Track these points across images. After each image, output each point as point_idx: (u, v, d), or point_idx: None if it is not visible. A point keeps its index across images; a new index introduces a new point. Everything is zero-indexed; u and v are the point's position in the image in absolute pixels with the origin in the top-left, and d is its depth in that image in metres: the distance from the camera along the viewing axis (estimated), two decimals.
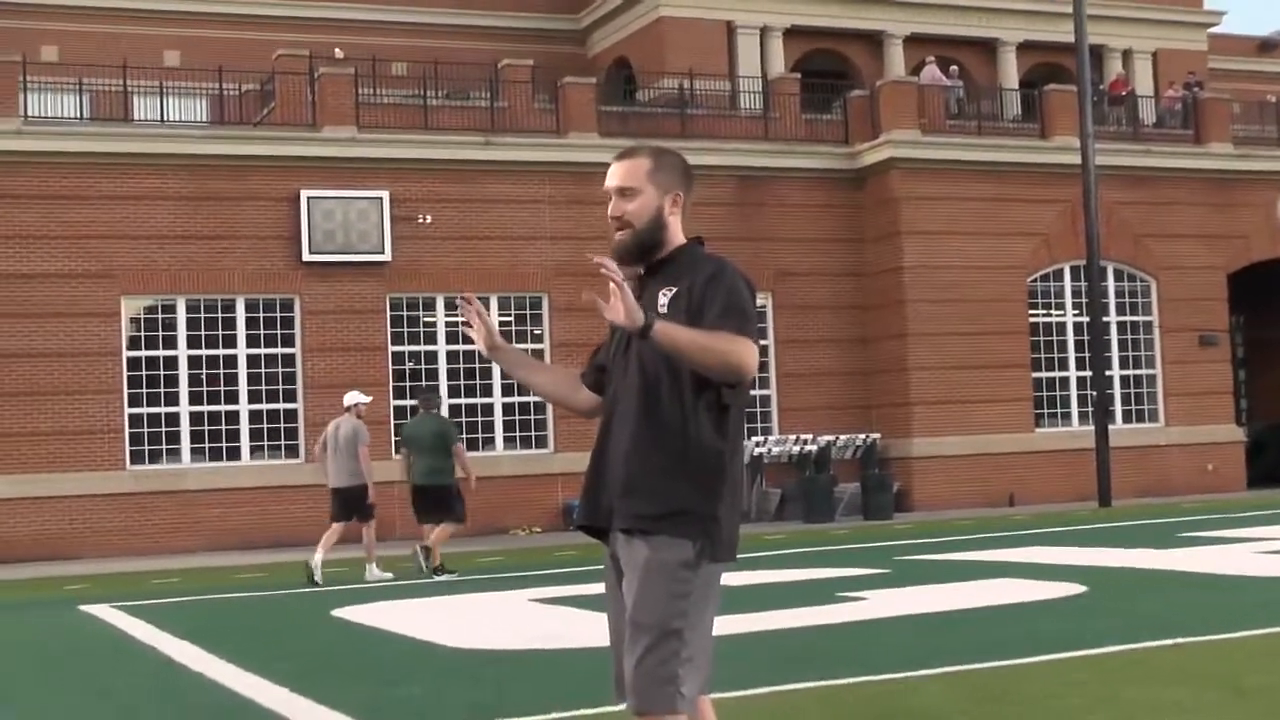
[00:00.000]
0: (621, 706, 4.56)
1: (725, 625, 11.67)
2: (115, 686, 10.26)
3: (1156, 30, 45.89)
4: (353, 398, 20.07)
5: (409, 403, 29.21)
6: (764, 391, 32.08)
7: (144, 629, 13.83)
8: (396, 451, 24.16)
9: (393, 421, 29.12)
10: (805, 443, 30.98)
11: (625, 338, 4.68)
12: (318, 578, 18.56)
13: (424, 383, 29.34)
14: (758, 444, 30.51)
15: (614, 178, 4.75)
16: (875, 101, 33.49)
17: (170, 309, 28.35)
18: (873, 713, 7.54)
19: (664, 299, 4.61)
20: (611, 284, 4.36)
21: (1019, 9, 44.00)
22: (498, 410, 29.96)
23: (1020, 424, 32.88)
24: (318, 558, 18.83)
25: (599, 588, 12.51)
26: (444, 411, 24.98)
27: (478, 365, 29.78)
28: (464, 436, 28.73)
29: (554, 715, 7.93)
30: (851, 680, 8.67)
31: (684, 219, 4.76)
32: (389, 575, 19.16)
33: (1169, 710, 7.29)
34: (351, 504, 19.47)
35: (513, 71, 32.34)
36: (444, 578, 18.69)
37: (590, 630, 11.04)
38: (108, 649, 12.69)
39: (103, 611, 15.86)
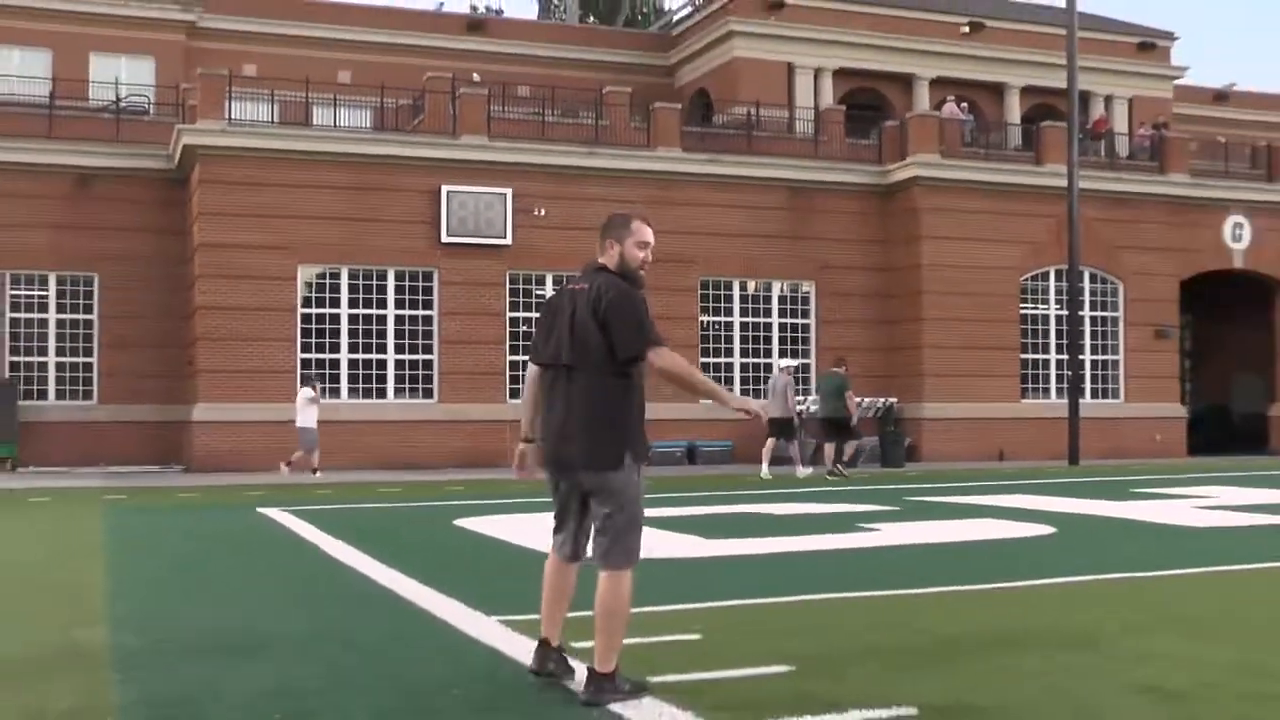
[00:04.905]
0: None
1: (766, 546, 11.73)
2: (290, 574, 10.41)
3: (1132, 81, 45.49)
4: (786, 363, 26.20)
5: (523, 358, 29.34)
6: (806, 361, 32.01)
7: (308, 529, 14.02)
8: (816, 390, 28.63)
9: (507, 373, 29.30)
10: None
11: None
12: (765, 475, 23.49)
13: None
14: (799, 404, 30.40)
15: (652, 236, 5.92)
16: (904, 130, 33.23)
17: (336, 276, 28.61)
18: (884, 622, 7.56)
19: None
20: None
21: (1023, 60, 43.63)
22: None
23: (1009, 395, 32.64)
24: (765, 467, 23.92)
25: (680, 510, 12.47)
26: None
27: None
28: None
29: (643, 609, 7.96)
30: (867, 594, 8.68)
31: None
32: (803, 472, 24.28)
33: (1126, 634, 7.26)
34: (780, 428, 23.98)
35: (613, 96, 32.31)
36: (835, 479, 23.21)
37: (667, 544, 11.10)
38: (282, 543, 12.85)
39: (276, 514, 16.10)
